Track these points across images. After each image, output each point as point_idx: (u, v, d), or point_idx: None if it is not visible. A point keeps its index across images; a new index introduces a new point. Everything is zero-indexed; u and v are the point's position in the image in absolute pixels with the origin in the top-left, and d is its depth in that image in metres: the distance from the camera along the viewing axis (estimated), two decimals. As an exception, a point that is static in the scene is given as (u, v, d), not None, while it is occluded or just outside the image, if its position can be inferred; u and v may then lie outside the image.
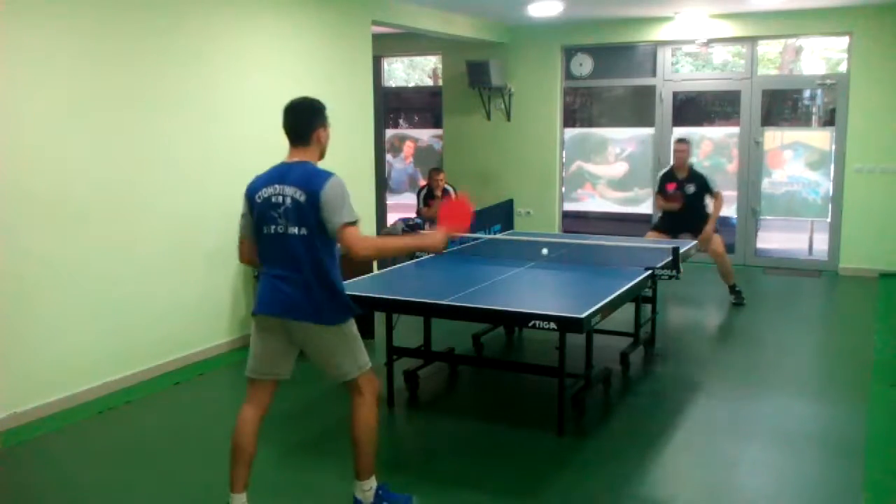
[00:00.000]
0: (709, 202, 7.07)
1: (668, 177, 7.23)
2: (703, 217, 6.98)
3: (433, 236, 3.37)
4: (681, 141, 7.27)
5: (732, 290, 7.15)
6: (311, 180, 3.03)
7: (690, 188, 7.02)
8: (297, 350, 3.25)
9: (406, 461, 4.15)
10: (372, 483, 3.29)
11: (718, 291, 6.89)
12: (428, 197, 8.56)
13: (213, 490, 3.72)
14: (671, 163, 7.39)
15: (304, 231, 3.02)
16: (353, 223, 3.03)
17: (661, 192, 7.26)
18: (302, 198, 3.01)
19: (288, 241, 3.04)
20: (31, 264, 4.47)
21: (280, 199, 3.05)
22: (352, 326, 3.18)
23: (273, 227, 3.07)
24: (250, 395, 3.27)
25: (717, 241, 6.97)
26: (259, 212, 3.10)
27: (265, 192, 3.09)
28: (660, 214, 7.57)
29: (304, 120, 3.16)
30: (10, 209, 4.34)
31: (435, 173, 8.54)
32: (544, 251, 5.13)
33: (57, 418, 4.53)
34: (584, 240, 6.21)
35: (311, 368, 5.51)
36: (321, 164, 3.21)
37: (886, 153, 8.20)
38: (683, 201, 7.01)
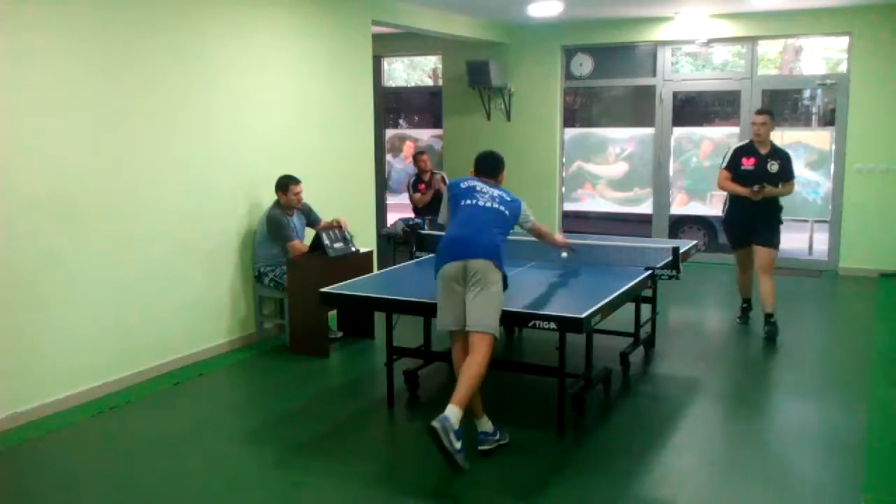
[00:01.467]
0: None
1: (745, 150, 6.06)
2: (778, 210, 6.11)
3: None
4: (761, 112, 6.10)
5: (768, 320, 6.06)
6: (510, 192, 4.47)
7: (774, 166, 5.97)
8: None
9: (406, 461, 4.15)
10: (487, 421, 4.00)
11: (718, 291, 6.90)
12: (417, 182, 8.51)
13: (213, 489, 3.73)
14: (748, 139, 6.22)
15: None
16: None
17: (730, 167, 6.06)
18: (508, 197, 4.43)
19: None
20: (31, 264, 4.47)
21: (486, 189, 4.37)
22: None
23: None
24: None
25: (765, 255, 6.07)
26: (460, 194, 4.32)
27: (468, 183, 4.37)
28: (726, 217, 6.33)
29: (498, 164, 4.56)
30: (10, 209, 4.34)
31: (418, 155, 8.49)
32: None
33: (57, 418, 4.53)
34: (584, 240, 6.21)
35: (310, 369, 5.54)
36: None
37: (886, 153, 8.20)
38: (762, 190, 5.91)
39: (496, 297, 3.92)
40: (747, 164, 6.04)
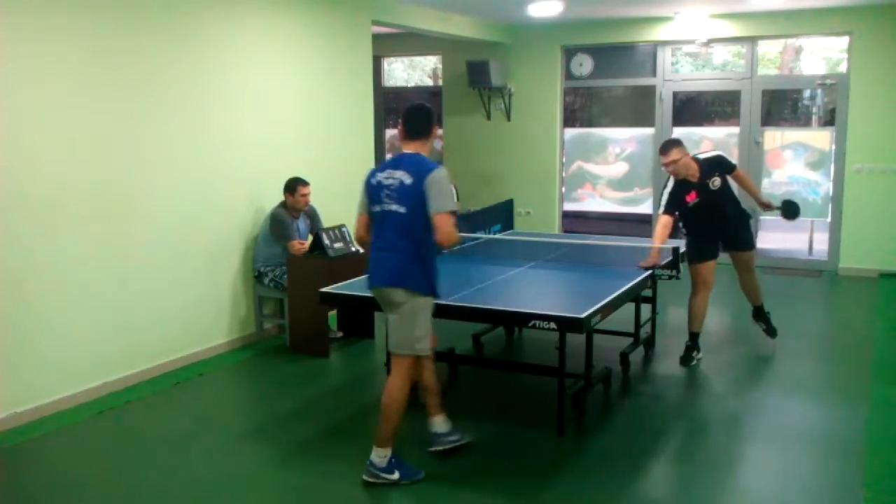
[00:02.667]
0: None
1: (683, 188, 5.30)
2: (741, 215, 5.66)
3: None
4: (664, 150, 5.32)
5: (759, 313, 5.92)
6: (420, 168, 3.56)
7: (715, 182, 5.36)
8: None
9: (406, 461, 4.14)
10: (387, 452, 3.67)
11: (718, 291, 6.87)
12: None
13: (213, 489, 3.73)
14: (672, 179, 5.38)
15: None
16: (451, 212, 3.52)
17: (673, 210, 5.30)
18: (409, 180, 3.54)
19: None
20: (31, 264, 4.47)
21: (390, 181, 3.60)
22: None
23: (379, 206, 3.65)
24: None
25: (748, 257, 5.72)
26: (370, 196, 3.69)
27: (379, 176, 3.65)
28: (688, 239, 5.58)
29: (426, 118, 3.73)
30: (10, 209, 4.33)
31: None
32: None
33: (57, 418, 4.53)
34: (584, 240, 6.21)
35: (310, 369, 5.54)
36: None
37: (886, 153, 8.20)
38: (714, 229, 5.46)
39: (409, 317, 3.62)
40: (691, 199, 5.31)
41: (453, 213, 3.54)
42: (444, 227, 3.48)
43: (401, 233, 3.57)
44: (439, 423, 3.96)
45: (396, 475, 3.65)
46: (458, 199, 8.42)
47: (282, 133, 6.30)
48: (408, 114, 3.72)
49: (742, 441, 4.25)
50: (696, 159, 5.39)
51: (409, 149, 3.67)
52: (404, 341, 3.65)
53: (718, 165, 5.44)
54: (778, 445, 4.17)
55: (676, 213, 5.33)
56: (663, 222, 5.29)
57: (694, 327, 5.53)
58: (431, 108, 3.80)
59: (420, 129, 3.68)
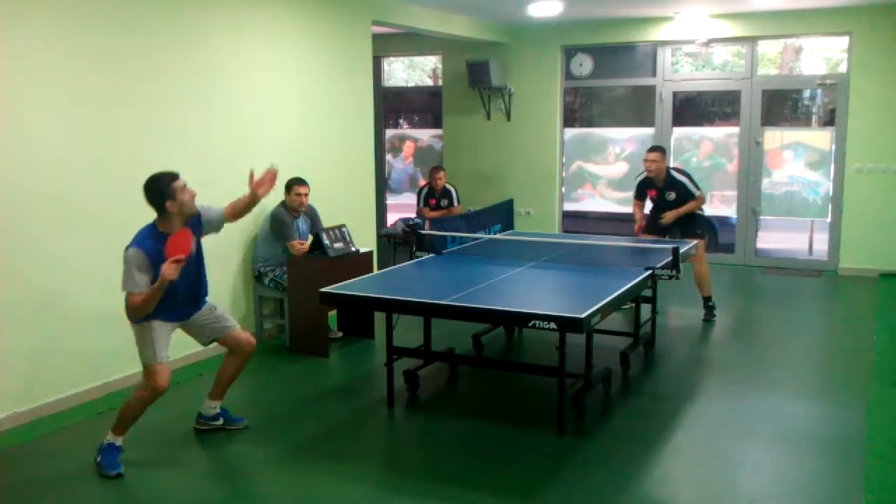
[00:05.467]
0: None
1: (648, 183, 6.74)
2: (691, 217, 6.60)
3: (163, 271, 3.67)
4: (652, 150, 6.72)
5: (706, 303, 6.69)
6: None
7: (671, 195, 6.57)
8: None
9: (406, 461, 4.15)
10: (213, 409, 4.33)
11: (718, 291, 6.89)
12: (428, 196, 8.56)
13: (213, 489, 3.72)
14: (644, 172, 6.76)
15: None
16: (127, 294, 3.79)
17: (639, 198, 6.88)
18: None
19: None
20: (30, 264, 4.47)
21: None
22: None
23: None
24: None
25: (700, 245, 6.48)
26: None
27: None
28: (648, 218, 6.92)
29: (152, 199, 3.85)
30: (10, 209, 4.33)
31: (435, 171, 8.55)
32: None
33: (57, 418, 4.53)
34: (584, 240, 6.21)
35: (310, 369, 5.54)
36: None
37: (886, 153, 8.20)
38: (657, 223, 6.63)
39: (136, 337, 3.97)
40: (651, 194, 6.75)
41: (129, 293, 3.77)
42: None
43: None
44: (210, 406, 4.35)
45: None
46: (459, 202, 8.55)
47: (281, 133, 6.30)
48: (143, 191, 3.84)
49: (742, 441, 4.25)
50: (669, 171, 6.67)
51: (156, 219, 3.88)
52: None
53: (680, 190, 6.59)
54: (778, 445, 4.17)
55: (642, 202, 6.89)
56: (635, 204, 6.98)
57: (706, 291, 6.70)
58: (152, 189, 3.82)
59: (153, 207, 3.84)
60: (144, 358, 3.92)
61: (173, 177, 3.83)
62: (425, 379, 5.01)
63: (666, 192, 6.61)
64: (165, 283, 3.67)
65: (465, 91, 9.83)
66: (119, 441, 3.91)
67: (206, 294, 4.18)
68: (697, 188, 6.64)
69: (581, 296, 4.51)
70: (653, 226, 6.76)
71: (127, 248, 3.77)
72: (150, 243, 3.76)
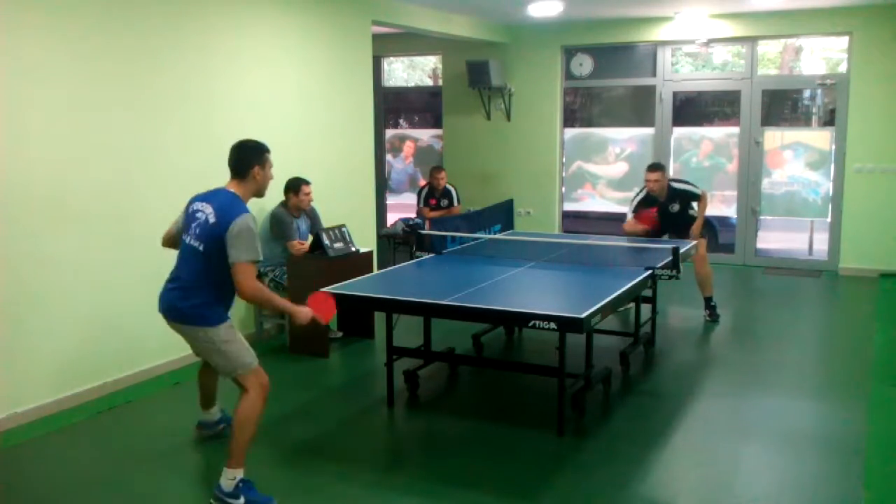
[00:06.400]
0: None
1: (647, 202, 6.53)
2: (688, 219, 6.52)
3: (303, 310, 3.66)
4: (652, 169, 6.53)
5: (708, 303, 6.65)
6: (227, 210, 3.45)
7: (674, 207, 6.47)
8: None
9: (406, 461, 4.15)
10: (238, 473, 3.47)
11: (718, 291, 6.89)
12: (429, 196, 8.56)
13: (212, 490, 3.72)
14: (645, 190, 6.59)
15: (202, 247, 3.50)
16: (250, 262, 3.38)
17: (639, 216, 6.59)
18: (212, 220, 3.46)
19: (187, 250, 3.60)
20: (30, 264, 4.47)
21: (200, 214, 3.54)
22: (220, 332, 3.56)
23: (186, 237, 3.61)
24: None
25: (701, 245, 6.43)
26: (184, 220, 3.67)
27: (195, 205, 3.61)
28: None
29: (243, 157, 3.61)
30: (10, 209, 4.33)
31: (436, 171, 8.55)
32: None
33: (57, 418, 4.53)
34: (584, 240, 6.21)
35: (310, 369, 5.54)
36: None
37: (886, 153, 8.20)
38: (657, 222, 6.47)
39: (220, 350, 3.55)
40: (652, 213, 6.51)
41: (254, 262, 3.40)
42: (242, 280, 3.37)
43: (188, 268, 3.59)
44: (211, 412, 4.18)
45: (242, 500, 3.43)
46: (459, 202, 8.54)
47: (282, 133, 6.30)
48: (231, 150, 3.62)
49: (742, 441, 4.25)
50: (670, 184, 6.53)
51: (230, 185, 3.60)
52: (227, 368, 3.57)
53: (684, 197, 6.52)
54: (778, 445, 4.17)
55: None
56: (628, 222, 6.64)
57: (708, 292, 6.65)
58: (252, 148, 3.61)
59: (235, 168, 3.60)
60: (242, 364, 3.54)
61: (267, 149, 3.66)
62: (425, 379, 5.01)
63: (669, 205, 6.49)
64: (290, 313, 3.61)
65: (465, 91, 9.83)
66: (243, 472, 3.46)
67: None
68: (697, 187, 6.62)
69: (581, 296, 4.51)
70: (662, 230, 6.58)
71: (235, 217, 3.37)
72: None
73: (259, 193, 3.65)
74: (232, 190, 3.57)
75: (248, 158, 3.57)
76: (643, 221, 6.48)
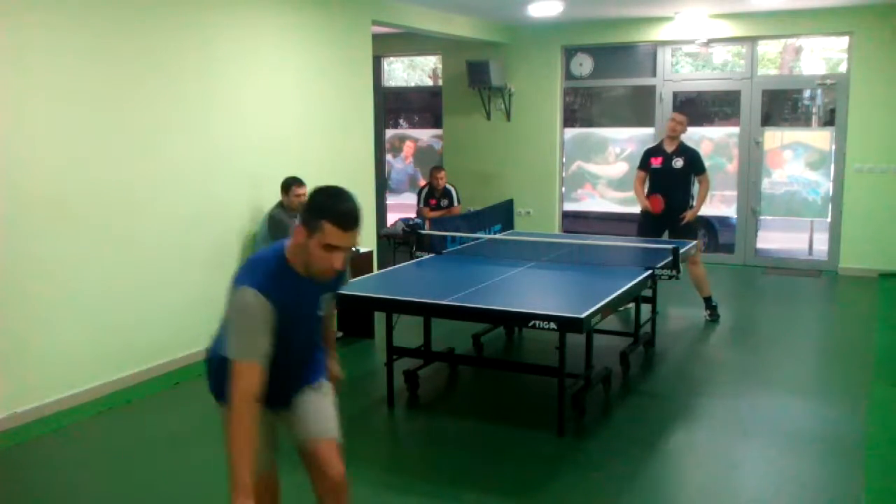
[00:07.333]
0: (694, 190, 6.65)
1: (654, 151, 6.71)
2: (684, 204, 6.54)
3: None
4: (680, 112, 6.80)
5: (708, 303, 6.62)
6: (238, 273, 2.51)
7: (678, 162, 6.51)
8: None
9: (406, 461, 4.15)
10: None
11: (718, 291, 6.90)
12: (429, 196, 8.56)
13: (213, 490, 3.72)
14: (661, 137, 6.82)
15: None
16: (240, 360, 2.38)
17: (643, 167, 6.70)
18: None
19: None
20: (30, 264, 4.47)
21: None
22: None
23: None
24: None
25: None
26: None
27: None
28: (639, 219, 6.84)
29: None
30: (10, 209, 4.34)
31: (436, 171, 8.55)
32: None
33: (57, 418, 4.53)
34: (584, 240, 6.21)
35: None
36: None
37: (886, 153, 8.19)
38: (664, 207, 6.50)
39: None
40: (655, 163, 6.63)
41: (248, 360, 2.40)
42: (233, 381, 2.39)
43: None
44: None
45: None
46: (459, 202, 8.55)
47: (281, 133, 6.30)
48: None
49: (742, 441, 4.25)
50: (683, 142, 6.64)
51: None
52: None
53: (690, 158, 6.59)
54: (778, 445, 4.17)
55: (645, 172, 6.71)
56: (637, 176, 6.80)
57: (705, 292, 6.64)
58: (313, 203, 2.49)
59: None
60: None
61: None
62: (425, 379, 5.01)
63: (674, 158, 6.54)
64: (234, 495, 2.36)
65: (465, 91, 9.83)
66: None
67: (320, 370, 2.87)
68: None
69: (581, 296, 4.51)
70: (644, 227, 6.67)
71: (236, 286, 2.43)
72: (275, 284, 2.40)
73: (307, 268, 2.54)
74: (279, 249, 2.57)
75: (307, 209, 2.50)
76: (652, 204, 6.57)
